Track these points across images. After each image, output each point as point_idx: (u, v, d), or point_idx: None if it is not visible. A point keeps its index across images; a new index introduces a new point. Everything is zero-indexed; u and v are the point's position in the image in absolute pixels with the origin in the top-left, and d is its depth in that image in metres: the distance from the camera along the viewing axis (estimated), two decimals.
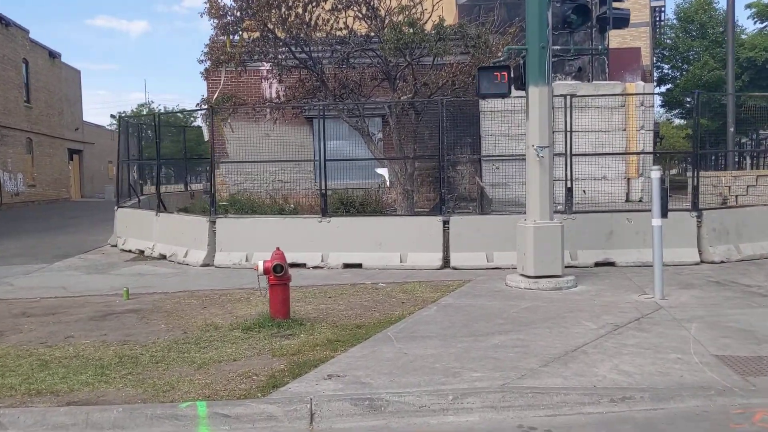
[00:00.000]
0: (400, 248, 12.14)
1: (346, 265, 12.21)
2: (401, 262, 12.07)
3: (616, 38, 29.32)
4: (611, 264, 11.92)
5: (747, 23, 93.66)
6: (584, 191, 13.23)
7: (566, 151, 12.25)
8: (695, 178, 12.16)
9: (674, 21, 38.48)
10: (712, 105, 33.56)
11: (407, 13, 13.19)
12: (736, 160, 31.14)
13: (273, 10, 15.16)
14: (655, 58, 35.78)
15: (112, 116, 17.92)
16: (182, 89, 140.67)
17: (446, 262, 12.02)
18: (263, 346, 6.95)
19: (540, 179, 10.08)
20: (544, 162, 10.06)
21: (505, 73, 10.23)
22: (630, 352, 6.51)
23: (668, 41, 38.11)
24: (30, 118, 35.68)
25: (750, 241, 12.43)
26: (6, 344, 7.36)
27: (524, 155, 10.75)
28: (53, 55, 39.11)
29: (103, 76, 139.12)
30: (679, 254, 11.89)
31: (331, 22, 15.89)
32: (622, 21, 9.61)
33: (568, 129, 12.31)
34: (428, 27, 14.48)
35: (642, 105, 20.13)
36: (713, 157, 31.66)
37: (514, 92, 10.91)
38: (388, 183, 12.45)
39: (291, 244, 12.38)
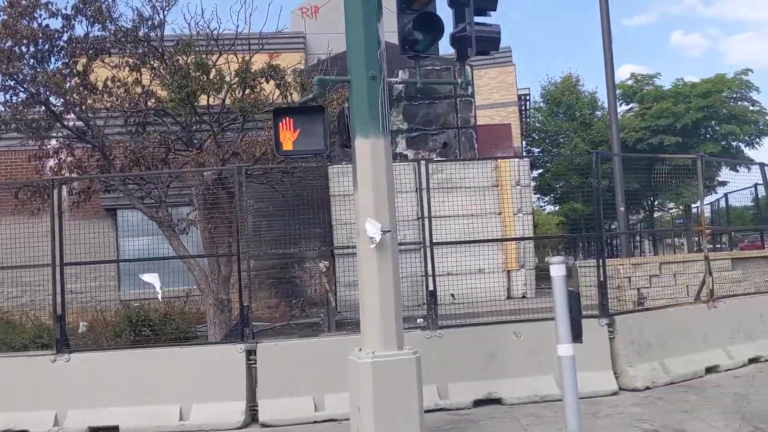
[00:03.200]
0: (180, 397, 7.81)
1: (95, 430, 7.73)
2: (182, 420, 7.73)
3: (483, 118, 27.12)
4: (497, 401, 8.16)
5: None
6: (452, 295, 9.57)
7: (423, 237, 8.61)
8: (601, 269, 8.79)
9: (541, 104, 37.48)
10: (584, 189, 31.93)
11: (194, 51, 9.36)
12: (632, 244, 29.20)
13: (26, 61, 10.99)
14: (524, 143, 34.13)
15: None
16: None
17: (254, 416, 7.83)
18: None
19: (380, 282, 6.26)
20: (385, 253, 6.28)
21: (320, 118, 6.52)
22: None
23: (537, 124, 36.84)
24: None
25: (678, 355, 9.07)
26: None
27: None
28: None
29: None
30: (588, 381, 8.29)
31: (129, 83, 11.81)
32: (490, 42, 6.34)
33: (425, 212, 8.72)
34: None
35: (518, 184, 17.23)
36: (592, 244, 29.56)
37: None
38: (159, 295, 8.24)
39: (11, 399, 7.86)
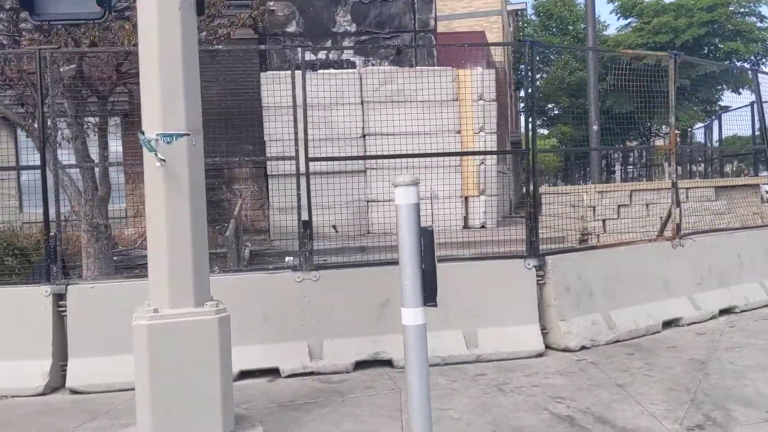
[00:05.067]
0: None
1: None
2: None
3: (463, 28, 24.64)
4: (386, 363, 6.36)
5: (610, 18, 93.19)
6: (334, 227, 7.64)
7: (297, 154, 6.61)
8: (531, 197, 6.81)
9: (533, 17, 34.63)
10: (575, 110, 29.60)
11: None
12: (605, 169, 27.15)
13: None
14: (512, 58, 31.52)
15: None
16: None
17: (65, 378, 6.05)
18: None
19: (169, 212, 4.31)
20: (179, 170, 4.31)
21: None
22: None
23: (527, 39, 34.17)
24: None
25: (629, 305, 7.21)
26: None
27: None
28: None
29: None
30: (508, 338, 6.52)
31: None
32: None
33: (299, 119, 6.69)
34: None
35: (481, 99, 15.03)
36: (581, 169, 27.47)
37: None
38: None
39: None
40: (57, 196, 6.06)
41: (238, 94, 13.48)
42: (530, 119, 6.68)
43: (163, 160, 4.20)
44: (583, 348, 6.64)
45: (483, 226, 14.71)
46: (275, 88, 12.35)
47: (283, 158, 6.90)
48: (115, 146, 12.99)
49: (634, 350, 6.63)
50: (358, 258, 9.12)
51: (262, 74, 14.02)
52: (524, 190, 6.77)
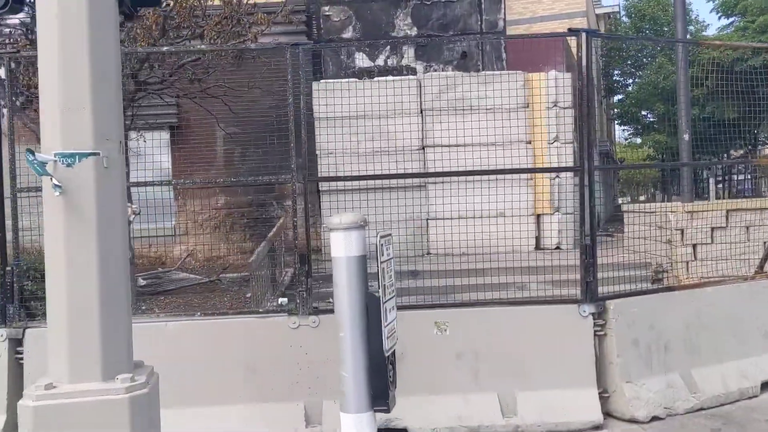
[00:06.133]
0: None
1: None
2: None
3: (544, 31, 23.04)
4: (401, 431, 5.14)
5: (710, 18, 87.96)
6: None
7: (295, 173, 5.52)
8: (585, 224, 5.41)
9: (625, 20, 32.38)
10: (670, 117, 27.27)
11: None
12: (702, 183, 24.82)
13: None
14: (602, 62, 29.53)
15: None
16: None
17: None
18: None
19: (69, 253, 3.29)
20: (83, 201, 3.28)
21: None
22: None
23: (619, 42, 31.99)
24: None
25: (717, 361, 5.69)
26: None
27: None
28: None
29: None
30: (555, 404, 5.17)
31: None
32: None
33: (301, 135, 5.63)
34: None
35: (555, 105, 13.52)
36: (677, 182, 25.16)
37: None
38: None
39: None
40: (15, 223, 5.21)
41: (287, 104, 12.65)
42: (585, 129, 5.28)
43: (59, 187, 3.18)
44: (654, 419, 5.21)
45: (558, 248, 13.19)
46: (328, 97, 11.40)
47: (279, 179, 5.82)
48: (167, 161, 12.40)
49: (723, 423, 5.15)
50: (409, 284, 8.11)
51: (314, 83, 13.14)
52: (582, 207, 5.37)
